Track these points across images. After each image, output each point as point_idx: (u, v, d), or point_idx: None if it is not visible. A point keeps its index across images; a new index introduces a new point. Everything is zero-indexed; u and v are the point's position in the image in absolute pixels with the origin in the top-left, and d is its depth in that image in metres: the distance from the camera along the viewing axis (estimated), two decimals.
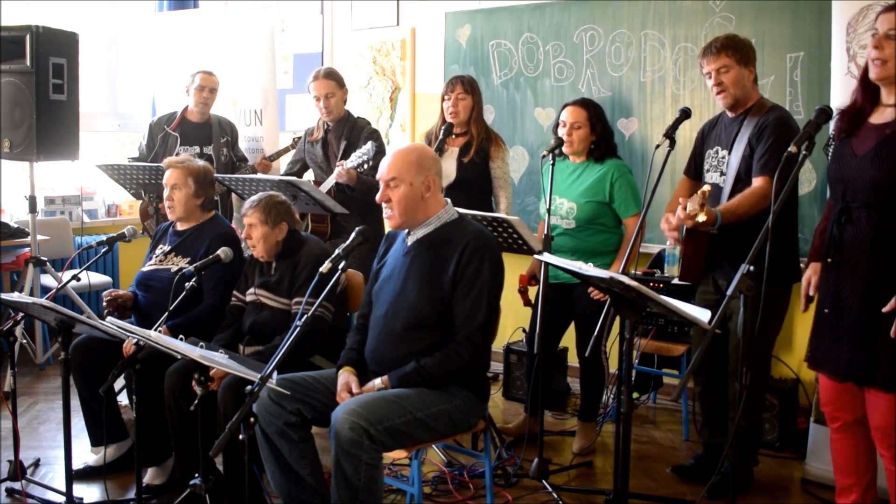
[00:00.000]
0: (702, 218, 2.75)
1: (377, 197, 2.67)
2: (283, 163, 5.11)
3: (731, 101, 3.08)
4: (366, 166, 3.78)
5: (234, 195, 4.63)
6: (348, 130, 4.12)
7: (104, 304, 3.34)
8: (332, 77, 4.12)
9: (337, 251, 2.49)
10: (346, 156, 4.00)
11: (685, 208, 2.83)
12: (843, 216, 2.57)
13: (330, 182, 3.91)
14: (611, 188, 3.49)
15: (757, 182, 2.98)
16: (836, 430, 2.74)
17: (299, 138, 4.60)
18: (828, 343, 2.61)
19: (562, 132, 3.54)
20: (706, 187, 2.80)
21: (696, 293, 3.30)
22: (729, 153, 3.11)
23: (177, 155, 4.50)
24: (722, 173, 3.14)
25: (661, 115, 4.24)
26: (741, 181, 3.04)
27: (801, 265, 3.69)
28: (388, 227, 2.78)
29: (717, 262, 3.12)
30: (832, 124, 2.71)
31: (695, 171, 3.36)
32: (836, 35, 3.26)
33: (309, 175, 4.37)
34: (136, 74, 5.97)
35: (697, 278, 3.14)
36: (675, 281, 3.31)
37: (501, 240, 3.20)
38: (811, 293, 2.73)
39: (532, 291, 3.76)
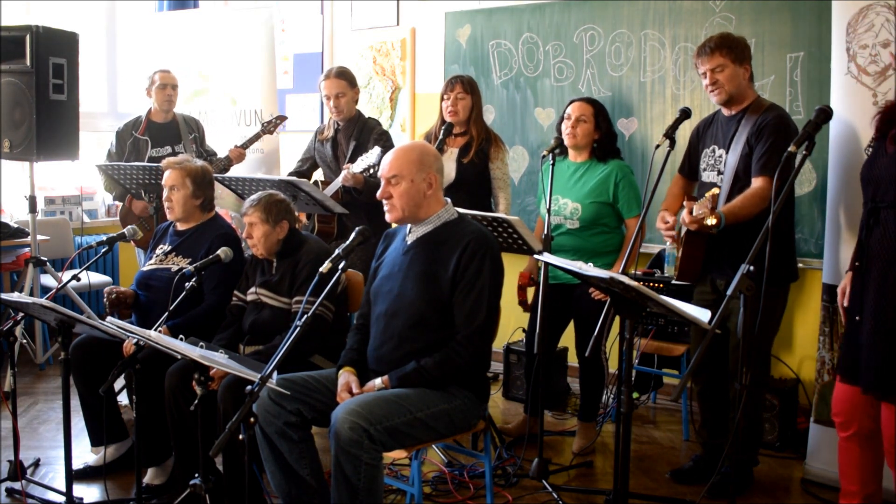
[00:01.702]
0: (711, 221, 2.74)
1: (378, 193, 2.67)
2: (283, 158, 5.12)
3: (725, 97, 3.09)
4: (371, 170, 3.77)
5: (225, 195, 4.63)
6: (358, 131, 4.11)
7: (105, 300, 3.34)
8: (344, 77, 4.10)
9: (337, 251, 2.49)
10: (355, 156, 3.99)
11: (691, 212, 2.83)
12: (872, 218, 2.54)
13: (336, 184, 3.91)
14: (615, 189, 3.49)
15: (757, 182, 2.98)
16: (846, 440, 2.71)
17: (268, 122, 4.59)
18: (856, 351, 2.56)
19: (566, 126, 3.54)
20: (715, 190, 2.79)
21: (694, 293, 3.30)
22: (726, 152, 3.11)
23: (148, 158, 4.50)
24: (719, 172, 3.14)
25: (661, 115, 4.24)
26: (739, 180, 3.05)
27: (800, 265, 3.73)
28: (388, 221, 2.77)
29: (715, 262, 3.12)
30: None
31: (689, 169, 3.36)
32: (836, 35, 3.26)
33: (318, 174, 4.37)
34: (136, 74, 5.96)
35: (695, 278, 3.14)
36: (675, 281, 3.31)
37: (501, 240, 3.20)
38: (845, 304, 2.69)
39: (530, 293, 3.76)
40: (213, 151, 4.80)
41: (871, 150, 2.68)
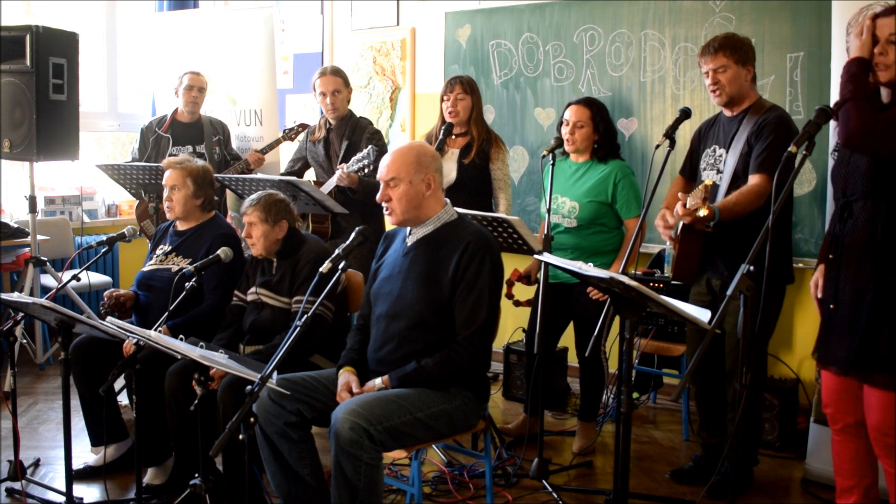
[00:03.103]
0: (703, 212, 2.74)
1: (377, 197, 2.67)
2: (283, 159, 5.12)
3: (726, 99, 3.09)
4: (366, 170, 3.78)
5: (227, 194, 4.63)
6: (350, 130, 4.12)
7: (103, 303, 3.33)
8: (339, 75, 4.12)
9: (337, 251, 2.49)
10: (347, 156, 4.00)
11: (685, 204, 2.83)
12: (845, 211, 2.58)
13: (331, 184, 3.91)
14: (614, 189, 3.50)
15: (753, 179, 2.98)
16: (838, 433, 2.73)
17: (290, 129, 4.59)
18: (833, 337, 2.61)
19: (564, 131, 3.55)
20: (708, 181, 2.79)
21: (690, 294, 3.30)
22: (727, 152, 3.11)
23: (170, 156, 4.50)
24: (719, 171, 3.14)
25: (661, 115, 4.24)
26: (738, 179, 3.04)
27: (800, 265, 3.72)
28: (389, 225, 2.78)
29: (711, 262, 3.12)
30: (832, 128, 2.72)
31: (690, 170, 3.36)
32: (836, 35, 3.26)
33: (310, 174, 4.36)
34: (136, 74, 5.97)
35: (690, 278, 3.14)
36: (672, 281, 3.31)
37: (501, 240, 3.20)
38: (819, 295, 2.72)
39: (518, 291, 3.74)
40: (237, 155, 4.82)
41: (836, 153, 2.72)
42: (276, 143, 4.65)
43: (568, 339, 3.78)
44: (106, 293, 3.37)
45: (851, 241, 2.55)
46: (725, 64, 3.03)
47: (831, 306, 2.62)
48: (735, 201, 2.94)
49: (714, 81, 3.07)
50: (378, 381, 2.58)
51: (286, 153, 5.07)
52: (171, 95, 4.80)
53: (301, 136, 4.49)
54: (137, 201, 4.67)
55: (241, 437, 2.12)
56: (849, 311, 2.55)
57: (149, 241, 4.63)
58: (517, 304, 3.77)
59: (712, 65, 3.05)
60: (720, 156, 3.15)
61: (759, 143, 2.99)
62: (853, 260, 2.55)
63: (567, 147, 3.55)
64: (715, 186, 3.11)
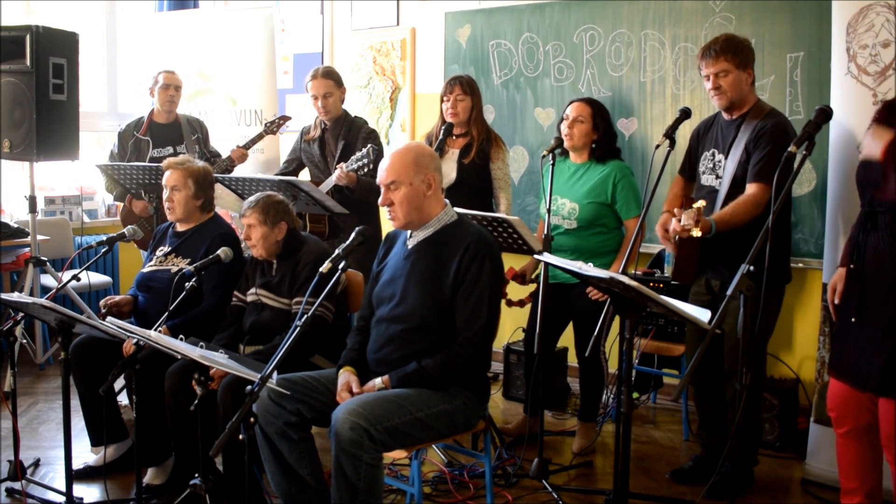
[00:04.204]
0: (696, 233, 2.75)
1: (379, 201, 2.67)
2: (275, 156, 5.11)
3: (727, 104, 3.08)
4: (366, 169, 3.78)
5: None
6: (346, 130, 4.12)
7: (101, 310, 3.33)
8: (331, 76, 4.12)
9: (337, 251, 2.49)
10: (344, 155, 4.00)
11: (679, 220, 2.84)
12: (870, 222, 2.54)
13: (329, 183, 3.91)
14: (613, 189, 3.49)
15: (750, 189, 2.97)
16: (842, 436, 2.72)
17: (271, 122, 4.59)
18: (853, 353, 2.57)
19: (564, 126, 3.55)
20: (700, 203, 2.77)
21: (689, 294, 3.30)
22: (726, 158, 3.11)
23: (151, 159, 4.49)
24: (718, 177, 3.13)
25: (661, 115, 4.24)
26: (738, 186, 3.04)
27: (800, 265, 3.72)
28: (391, 227, 2.78)
29: (710, 262, 3.12)
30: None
31: (689, 170, 3.35)
32: (836, 35, 3.26)
33: (304, 174, 4.36)
34: (136, 74, 5.97)
35: (690, 278, 3.14)
36: (672, 282, 3.31)
37: (501, 240, 3.20)
38: (836, 301, 2.69)
39: (511, 290, 3.73)
40: (216, 152, 4.80)
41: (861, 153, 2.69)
42: (259, 137, 4.61)
43: (568, 339, 3.78)
44: (101, 302, 3.36)
45: (877, 254, 2.51)
46: (727, 68, 3.00)
47: (852, 319, 2.58)
48: (732, 213, 2.93)
49: (715, 86, 3.05)
50: (378, 381, 2.58)
51: (287, 149, 5.08)
52: (148, 96, 4.75)
53: (284, 127, 4.48)
54: (121, 205, 4.65)
55: (241, 437, 2.12)
56: (874, 329, 2.51)
57: (136, 245, 4.64)
58: (509, 303, 3.76)
59: (713, 69, 3.02)
60: (719, 161, 3.14)
61: (757, 152, 2.98)
62: (879, 274, 2.50)
63: (566, 143, 3.54)
64: (713, 192, 3.12)
